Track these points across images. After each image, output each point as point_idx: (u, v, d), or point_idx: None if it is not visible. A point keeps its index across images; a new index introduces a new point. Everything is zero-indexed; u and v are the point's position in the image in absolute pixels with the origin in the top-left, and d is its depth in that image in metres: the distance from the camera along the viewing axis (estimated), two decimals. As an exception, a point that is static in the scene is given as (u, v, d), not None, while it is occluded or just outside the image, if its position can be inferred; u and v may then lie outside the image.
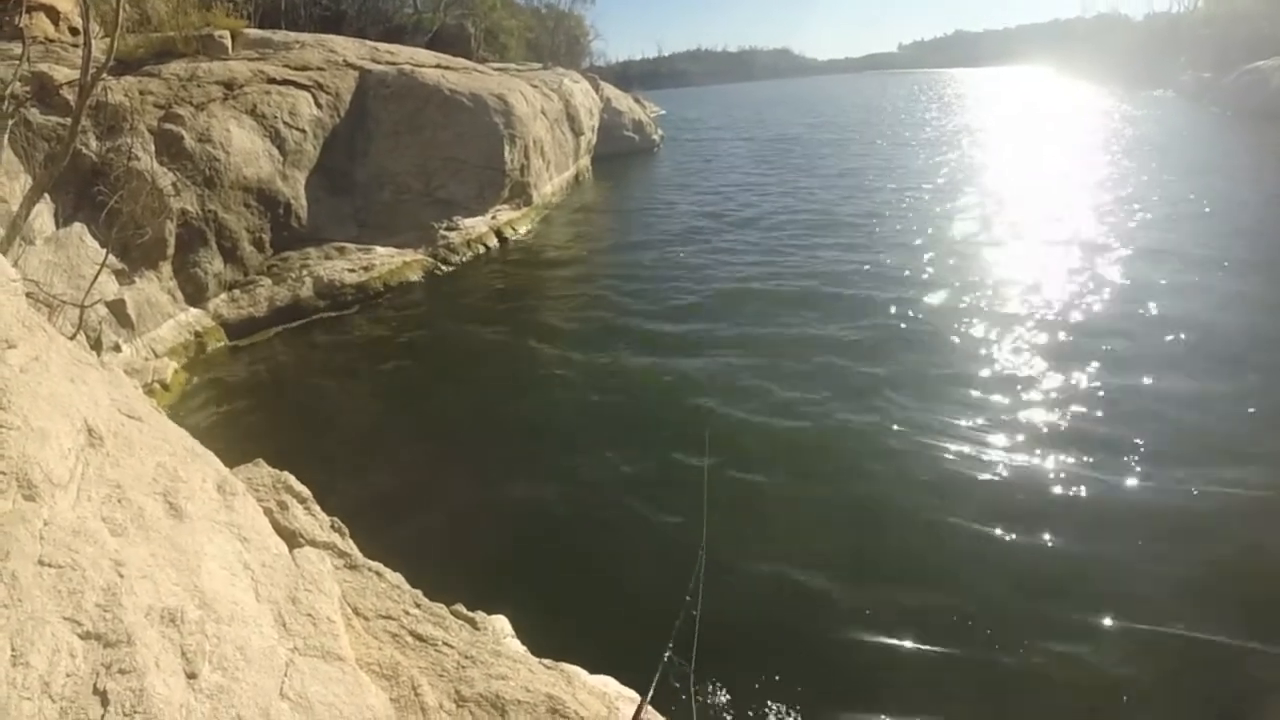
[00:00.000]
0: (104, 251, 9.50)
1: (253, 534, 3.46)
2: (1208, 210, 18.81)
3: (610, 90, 41.56)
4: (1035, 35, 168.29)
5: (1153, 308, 12.30)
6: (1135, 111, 48.53)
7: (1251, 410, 9.15)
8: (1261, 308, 12.07)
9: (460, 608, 4.61)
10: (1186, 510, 7.50)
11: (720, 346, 12.54)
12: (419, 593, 4.46)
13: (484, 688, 3.65)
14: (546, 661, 4.27)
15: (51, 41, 14.96)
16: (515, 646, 4.58)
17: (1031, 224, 17.81)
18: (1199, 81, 56.33)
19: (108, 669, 2.14)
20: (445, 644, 3.95)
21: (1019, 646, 5.99)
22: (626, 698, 4.52)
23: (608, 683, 4.54)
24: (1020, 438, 8.89)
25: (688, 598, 5.42)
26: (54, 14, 15.85)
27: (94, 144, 12.22)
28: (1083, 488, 7.90)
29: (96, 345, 10.07)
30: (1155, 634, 6.02)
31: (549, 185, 25.42)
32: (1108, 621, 6.17)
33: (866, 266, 16.06)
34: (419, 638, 3.94)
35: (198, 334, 12.99)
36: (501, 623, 4.88)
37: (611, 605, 6.86)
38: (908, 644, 6.08)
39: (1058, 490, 7.90)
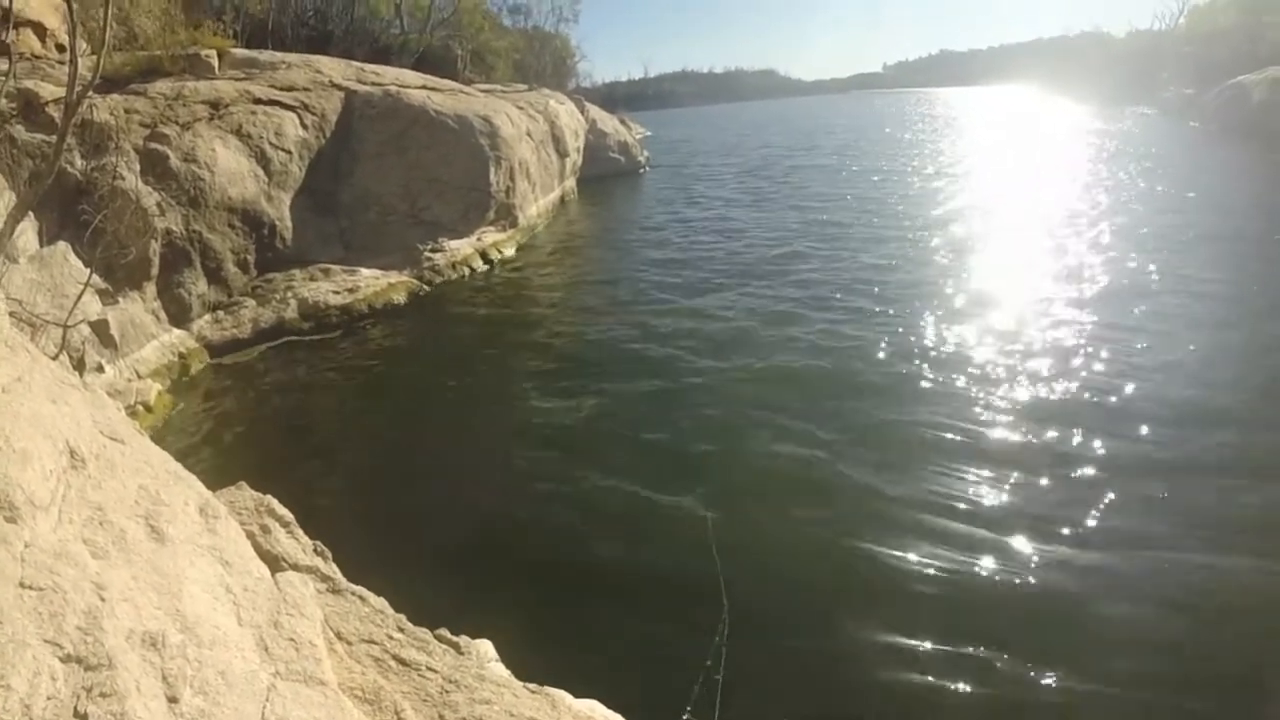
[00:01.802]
0: (88, 271, 9.47)
1: (235, 557, 3.44)
2: (1198, 235, 18.95)
3: (596, 111, 41.68)
4: (1019, 54, 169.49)
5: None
6: (1114, 128, 49.29)
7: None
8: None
9: (444, 632, 4.58)
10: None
11: (711, 370, 12.58)
12: (402, 617, 4.43)
13: (468, 712, 3.64)
14: (531, 686, 4.24)
15: (38, 58, 14.94)
16: (499, 671, 4.55)
17: (1049, 274, 16.72)
18: (1181, 98, 57.26)
19: (89, 692, 2.13)
20: (429, 669, 3.93)
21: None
22: (612, 722, 4.50)
23: (594, 707, 4.52)
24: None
25: (708, 662, 5.41)
26: (41, 30, 15.85)
27: (79, 162, 12.19)
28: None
29: (79, 365, 10.01)
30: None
31: (534, 207, 25.46)
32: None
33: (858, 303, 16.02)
34: (402, 662, 3.92)
35: (181, 355, 12.92)
36: (486, 647, 4.85)
37: (597, 629, 6.84)
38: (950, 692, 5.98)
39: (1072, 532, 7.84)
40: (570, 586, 7.43)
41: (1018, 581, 7.03)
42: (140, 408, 10.93)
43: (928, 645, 6.33)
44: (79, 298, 8.33)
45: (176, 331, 13.27)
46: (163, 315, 13.15)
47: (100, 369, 10.86)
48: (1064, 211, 23.36)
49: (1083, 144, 41.92)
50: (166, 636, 2.51)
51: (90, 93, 8.95)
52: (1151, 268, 16.31)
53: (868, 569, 7.37)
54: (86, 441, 3.32)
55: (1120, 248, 18.19)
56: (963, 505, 8.23)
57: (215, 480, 4.70)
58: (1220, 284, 14.87)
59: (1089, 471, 8.69)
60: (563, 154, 30.34)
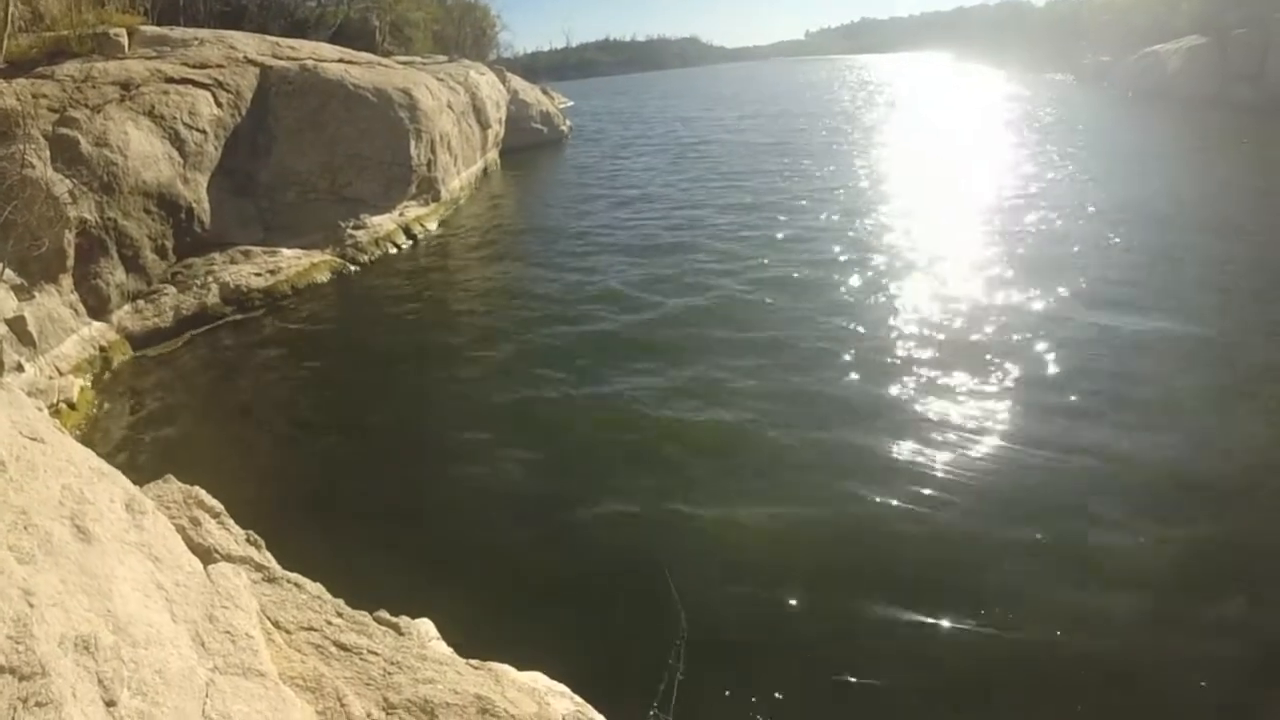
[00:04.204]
0: (0, 266, 9.19)
1: (165, 553, 3.41)
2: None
3: (518, 82, 41.31)
4: (940, 21, 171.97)
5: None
6: (1029, 93, 51.29)
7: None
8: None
9: (384, 614, 4.59)
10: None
11: (635, 336, 12.84)
12: (341, 602, 4.43)
13: (412, 693, 3.66)
14: (474, 661, 4.28)
15: (-67, 45, 14.36)
16: (441, 649, 4.58)
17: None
18: (1098, 65, 59.14)
19: (24, 703, 2.11)
20: (370, 651, 3.93)
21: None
22: (557, 692, 4.56)
23: (536, 678, 4.58)
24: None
25: (671, 661, 5.48)
26: (-65, 16, 15.22)
27: (-16, 152, 11.77)
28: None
29: (-1, 366, 9.74)
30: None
31: (457, 180, 25.26)
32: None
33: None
34: (343, 647, 3.92)
35: (103, 348, 12.60)
36: (426, 626, 4.88)
37: (536, 598, 6.91)
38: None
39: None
40: (507, 561, 7.49)
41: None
42: (64, 405, 10.66)
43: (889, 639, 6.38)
44: (-9, 294, 8.09)
45: (96, 324, 12.91)
46: (81, 308, 12.76)
47: (20, 368, 10.55)
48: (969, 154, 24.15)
49: (999, 106, 44.15)
50: (99, 639, 2.50)
51: (-8, 79, 8.65)
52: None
53: (823, 544, 7.51)
54: (5, 444, 3.26)
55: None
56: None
57: (142, 474, 4.64)
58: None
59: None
60: (485, 125, 30.04)
